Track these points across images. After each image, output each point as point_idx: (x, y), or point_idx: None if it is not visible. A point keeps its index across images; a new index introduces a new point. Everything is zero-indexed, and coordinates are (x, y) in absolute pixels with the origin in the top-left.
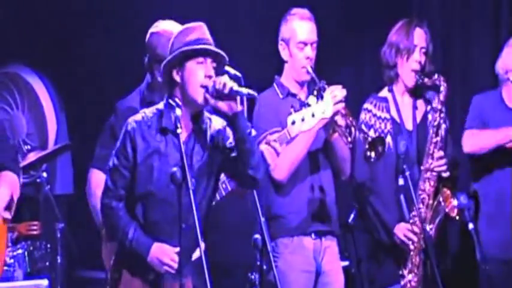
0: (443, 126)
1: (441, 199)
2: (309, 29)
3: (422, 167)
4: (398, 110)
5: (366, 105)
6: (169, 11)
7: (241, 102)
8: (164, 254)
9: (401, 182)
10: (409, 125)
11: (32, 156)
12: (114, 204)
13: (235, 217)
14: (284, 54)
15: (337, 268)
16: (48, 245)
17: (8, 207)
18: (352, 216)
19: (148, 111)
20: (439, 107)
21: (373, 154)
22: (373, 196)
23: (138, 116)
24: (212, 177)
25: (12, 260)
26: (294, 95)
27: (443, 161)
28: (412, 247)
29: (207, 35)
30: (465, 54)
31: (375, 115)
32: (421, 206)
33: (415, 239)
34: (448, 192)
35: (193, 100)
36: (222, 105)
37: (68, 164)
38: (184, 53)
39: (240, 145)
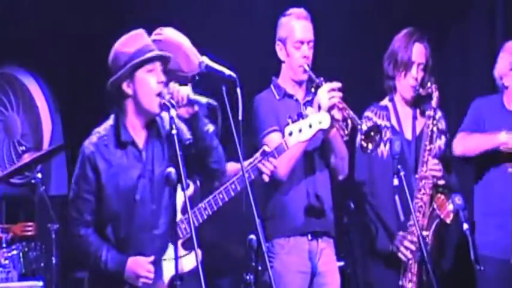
0: (444, 139)
1: (435, 206)
2: (305, 28)
3: (417, 175)
4: (398, 119)
5: (367, 113)
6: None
7: (237, 104)
8: (139, 266)
9: (396, 182)
10: (408, 135)
11: (26, 157)
12: (83, 232)
13: (231, 217)
14: (281, 54)
15: (334, 269)
16: (43, 246)
17: None
18: (347, 216)
19: (102, 129)
20: (432, 113)
21: (370, 145)
22: (371, 197)
23: (93, 138)
24: None
25: (7, 261)
26: (290, 96)
27: (438, 167)
28: (410, 256)
29: (149, 40)
30: (462, 60)
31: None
32: (418, 214)
33: (413, 248)
34: (443, 197)
35: (148, 110)
36: (179, 111)
37: (62, 165)
38: (135, 65)
39: (201, 143)
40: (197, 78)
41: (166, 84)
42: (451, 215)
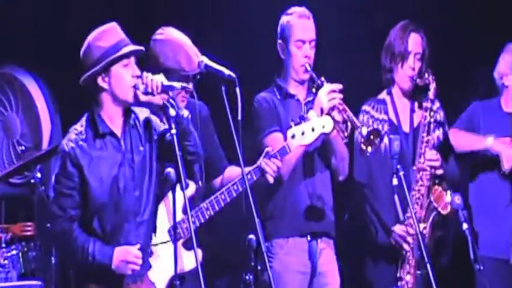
0: (442, 130)
1: (432, 198)
2: (307, 27)
3: (414, 167)
4: (396, 112)
5: (365, 107)
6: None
7: (236, 104)
8: (127, 253)
9: (395, 182)
10: (406, 128)
11: (26, 157)
12: (67, 228)
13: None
14: (283, 53)
15: (334, 269)
16: (43, 246)
17: None
18: (347, 215)
19: (78, 126)
20: (429, 105)
21: (369, 149)
22: (371, 196)
23: (71, 135)
24: (154, 169)
25: (6, 261)
26: (292, 96)
27: (436, 156)
28: (408, 248)
29: (123, 34)
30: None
31: (372, 116)
32: (415, 206)
33: (411, 240)
34: (440, 189)
35: (124, 101)
36: (154, 99)
37: None
38: (112, 61)
39: (178, 127)
40: (199, 77)
41: (139, 76)
42: (448, 207)
